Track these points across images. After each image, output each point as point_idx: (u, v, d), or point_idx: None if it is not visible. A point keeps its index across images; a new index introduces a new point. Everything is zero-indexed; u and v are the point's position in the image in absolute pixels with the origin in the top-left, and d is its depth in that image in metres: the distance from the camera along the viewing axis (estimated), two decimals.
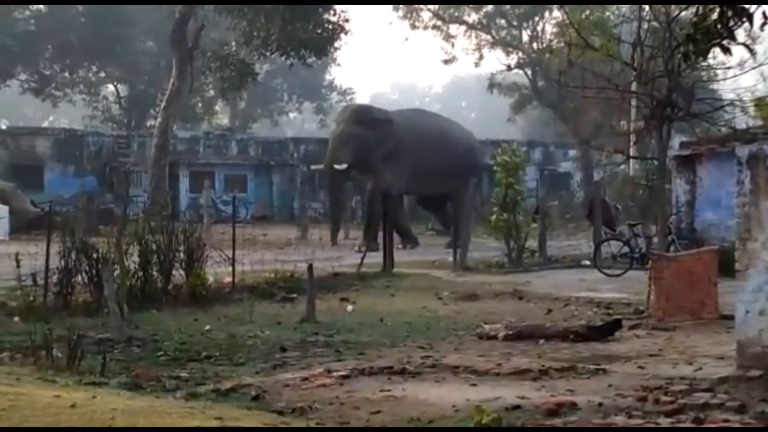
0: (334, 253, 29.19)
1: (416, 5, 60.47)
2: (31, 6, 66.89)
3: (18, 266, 17.60)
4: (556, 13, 55.21)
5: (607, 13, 33.34)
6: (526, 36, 63.67)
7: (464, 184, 35.94)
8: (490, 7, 61.66)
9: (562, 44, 29.80)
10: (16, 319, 17.33)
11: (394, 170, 35.13)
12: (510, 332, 15.48)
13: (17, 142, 53.14)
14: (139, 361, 13.94)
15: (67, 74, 70.96)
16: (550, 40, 58.38)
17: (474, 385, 11.40)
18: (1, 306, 18.22)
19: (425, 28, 62.70)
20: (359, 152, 35.17)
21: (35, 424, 7.87)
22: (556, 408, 9.81)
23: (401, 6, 60.09)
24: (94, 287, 18.84)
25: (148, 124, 64.94)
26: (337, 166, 35.48)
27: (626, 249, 27.15)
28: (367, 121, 36.20)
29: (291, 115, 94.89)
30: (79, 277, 19.25)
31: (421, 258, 29.50)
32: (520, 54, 63.22)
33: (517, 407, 9.90)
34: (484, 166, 40.30)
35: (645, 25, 21.66)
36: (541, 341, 15.03)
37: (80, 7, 65.43)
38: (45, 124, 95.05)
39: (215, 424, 8.05)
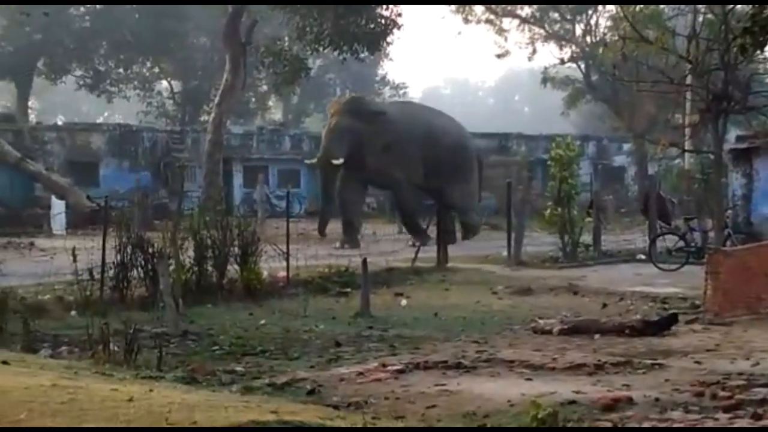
0: (389, 247, 29.15)
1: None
2: (87, 3, 67.37)
3: (75, 261, 17.74)
4: (610, 6, 54.86)
5: (662, 6, 33.08)
6: (579, 29, 63.44)
7: (455, 178, 35.19)
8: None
9: (617, 37, 29.67)
10: (74, 313, 17.48)
11: (402, 164, 34.20)
12: (565, 327, 15.41)
13: (73, 138, 53.50)
14: (194, 355, 14.01)
15: (121, 70, 71.53)
16: (604, 34, 58.12)
17: (529, 379, 11.36)
18: (58, 300, 18.37)
19: (478, 22, 62.60)
20: (354, 146, 33.86)
21: (93, 417, 7.91)
22: (612, 403, 9.75)
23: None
24: (150, 282, 18.98)
25: (202, 119, 65.28)
26: (334, 162, 34.01)
27: (682, 243, 26.99)
28: (361, 114, 34.73)
29: None
30: (135, 272, 19.38)
31: (475, 252, 29.41)
32: (574, 47, 62.97)
33: (572, 402, 9.85)
34: (477, 161, 38.36)
35: (700, 18, 21.52)
36: (597, 336, 14.94)
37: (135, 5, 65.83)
38: (100, 120, 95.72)
39: (271, 418, 8.05)
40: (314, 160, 36.64)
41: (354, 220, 34.42)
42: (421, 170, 34.75)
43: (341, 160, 33.78)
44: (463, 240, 34.15)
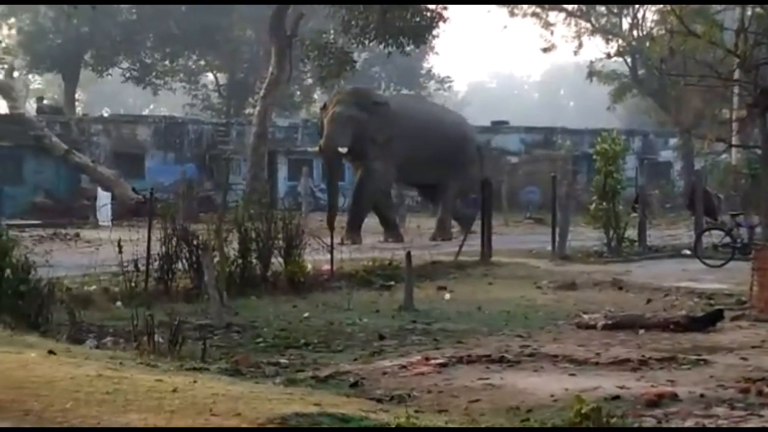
0: (433, 241, 29.17)
1: None
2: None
3: (120, 252, 17.85)
4: None
5: None
6: (626, 23, 63.22)
7: (456, 173, 34.80)
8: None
9: (664, 31, 29.53)
10: (119, 304, 17.59)
11: (388, 157, 33.39)
12: (609, 322, 15.34)
13: (119, 130, 53.81)
14: (238, 347, 14.06)
15: (167, 63, 71.92)
16: (651, 28, 57.91)
17: (573, 374, 11.32)
18: (104, 291, 18.48)
19: (524, 15, 62.47)
20: (357, 136, 33.03)
21: (138, 407, 7.96)
22: (656, 398, 9.70)
23: None
24: (195, 274, 19.06)
25: (247, 112, 65.46)
26: (340, 149, 33.13)
27: (728, 239, 26.80)
28: (363, 104, 33.98)
29: None
30: (180, 264, 19.47)
31: (519, 247, 29.36)
32: (620, 42, 62.75)
33: (616, 397, 9.81)
34: (482, 157, 37.62)
35: (749, 12, 21.34)
36: (641, 331, 14.86)
37: None
38: (146, 112, 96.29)
39: (314, 410, 8.07)
40: (316, 149, 35.94)
41: (360, 216, 33.87)
42: (420, 164, 33.97)
43: (344, 150, 33.18)
44: (431, 240, 32.88)
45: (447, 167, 34.39)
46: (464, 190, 35.83)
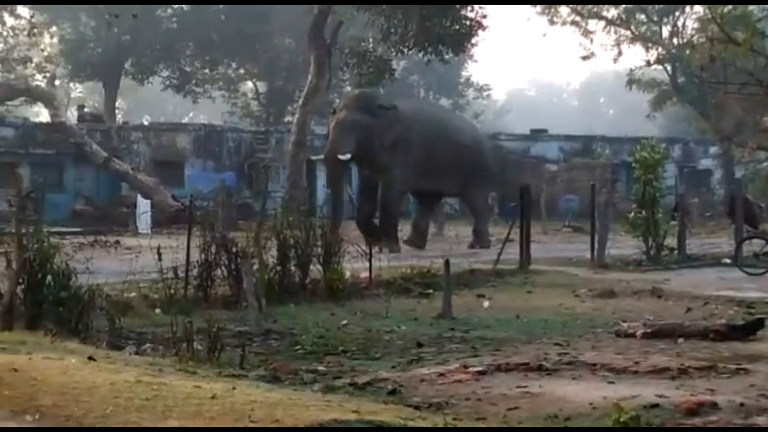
0: (469, 249, 29.14)
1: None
2: (173, 5, 68.15)
3: (160, 259, 17.93)
4: (698, 7, 54.47)
5: (751, 7, 32.72)
6: (666, 31, 63.02)
7: (470, 182, 34.36)
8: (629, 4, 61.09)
9: (704, 39, 29.37)
10: (158, 311, 17.66)
11: (402, 163, 32.46)
12: (648, 330, 15.27)
13: (159, 138, 54.08)
14: (277, 354, 14.09)
15: (207, 71, 72.25)
16: (691, 35, 57.68)
17: (611, 382, 11.27)
18: (143, 298, 18.54)
19: (563, 23, 62.43)
20: (364, 142, 32.06)
21: (177, 413, 8.00)
22: (696, 407, 9.65)
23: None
24: (233, 281, 19.11)
25: (286, 120, 65.65)
26: (341, 157, 32.12)
27: None
28: (370, 108, 32.85)
29: None
30: (219, 271, 19.52)
31: (557, 255, 29.29)
32: (660, 49, 62.55)
33: (655, 406, 9.76)
34: (493, 166, 37.32)
35: None
36: (680, 340, 14.78)
37: (221, 5, 66.45)
38: (185, 120, 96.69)
39: (352, 417, 8.09)
40: (321, 156, 35.24)
41: (397, 222, 33.22)
42: (430, 173, 33.19)
43: (348, 156, 32.25)
44: (470, 248, 32.50)
45: (462, 176, 33.90)
46: (480, 202, 35.67)
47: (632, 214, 28.30)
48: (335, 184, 34.51)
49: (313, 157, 41.35)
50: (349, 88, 66.43)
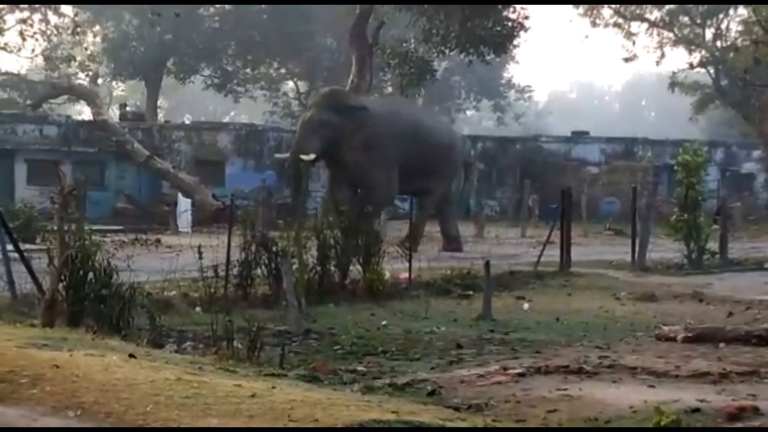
0: (511, 250, 29.05)
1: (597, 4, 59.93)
2: (215, 4, 68.37)
3: (200, 258, 17.99)
4: (741, 10, 54.17)
5: None
6: (709, 34, 62.68)
7: (442, 182, 33.32)
8: (672, 5, 60.86)
9: (748, 42, 29.23)
10: (199, 309, 17.72)
11: (381, 165, 31.37)
12: (689, 334, 15.19)
13: (200, 137, 54.23)
14: (316, 353, 14.12)
15: (248, 70, 72.42)
16: (735, 38, 57.38)
17: (652, 386, 11.22)
18: (184, 297, 18.63)
19: (606, 25, 62.23)
20: (330, 142, 31.15)
21: (217, 412, 8.02)
22: (737, 412, 9.57)
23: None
24: (273, 280, 19.17)
25: None
26: (303, 157, 30.72)
27: None
28: (339, 108, 31.97)
29: (468, 112, 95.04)
30: (259, 270, 19.59)
31: (598, 257, 29.18)
32: (703, 52, 62.24)
33: (696, 410, 9.69)
34: (466, 164, 36.47)
35: None
36: (722, 344, 14.68)
37: (263, 5, 66.61)
38: (226, 120, 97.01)
39: (391, 417, 8.09)
40: (286, 155, 34.20)
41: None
42: (403, 173, 32.08)
43: (312, 156, 31.09)
44: (444, 251, 31.02)
45: (433, 176, 32.80)
46: (448, 202, 34.46)
47: (674, 217, 28.16)
48: (296, 185, 31.87)
49: (278, 155, 40.20)
50: (390, 89, 66.56)
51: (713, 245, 28.81)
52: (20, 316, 15.18)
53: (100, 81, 66.43)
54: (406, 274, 22.01)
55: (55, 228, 14.73)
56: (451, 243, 32.90)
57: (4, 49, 65.61)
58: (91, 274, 14.56)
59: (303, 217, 21.12)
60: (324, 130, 31.31)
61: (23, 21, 58.60)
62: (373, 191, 30.84)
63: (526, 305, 19.87)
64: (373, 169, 31.37)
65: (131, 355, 11.07)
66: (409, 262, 22.20)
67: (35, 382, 8.98)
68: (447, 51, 42.56)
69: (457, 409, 9.80)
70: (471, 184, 52.37)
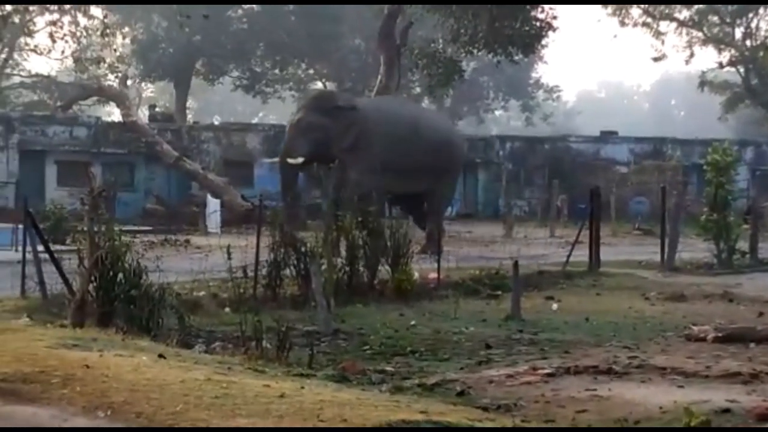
0: (540, 250, 28.99)
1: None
2: (244, 5, 68.52)
3: (229, 258, 18.03)
4: None
5: None
6: (739, 33, 62.43)
7: (441, 181, 32.47)
8: (701, 5, 60.64)
9: None
10: (227, 310, 17.77)
11: (362, 166, 30.55)
12: (719, 334, 15.12)
13: (229, 138, 54.35)
14: (345, 354, 14.13)
15: (277, 71, 72.50)
16: (765, 37, 57.18)
17: (681, 386, 11.19)
18: (213, 297, 18.68)
19: (635, 25, 62.05)
20: (319, 145, 30.71)
21: (246, 412, 8.05)
22: (767, 413, 9.55)
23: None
24: (302, 281, 19.20)
25: None
26: (291, 161, 30.94)
27: None
28: (327, 110, 31.58)
29: (497, 112, 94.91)
30: (288, 271, 19.62)
31: (627, 257, 29.09)
32: (733, 51, 61.99)
33: (726, 410, 9.66)
34: (467, 163, 35.81)
35: None
36: (752, 344, 14.61)
37: (291, 6, 66.70)
38: (255, 121, 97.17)
39: (420, 417, 8.10)
40: (276, 159, 33.88)
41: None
42: (398, 173, 31.14)
43: (300, 159, 30.97)
44: (424, 252, 27.70)
45: (431, 175, 31.84)
46: (445, 203, 33.76)
47: (703, 216, 28.03)
48: (287, 189, 32.67)
49: (266, 160, 39.92)
50: (418, 89, 66.54)
51: (743, 245, 28.65)
52: (51, 317, 15.28)
53: (129, 82, 66.59)
54: (434, 275, 22.00)
55: (85, 229, 14.78)
56: (430, 244, 29.90)
57: (34, 50, 66.35)
58: (120, 275, 14.63)
59: (331, 217, 21.11)
60: (312, 133, 30.98)
61: (53, 23, 58.95)
62: (357, 192, 29.69)
63: (555, 305, 19.83)
64: (357, 171, 30.65)
65: (161, 356, 11.12)
66: (438, 262, 22.19)
67: (66, 383, 9.03)
68: (475, 51, 42.51)
69: (486, 409, 9.80)
70: (500, 184, 52.36)
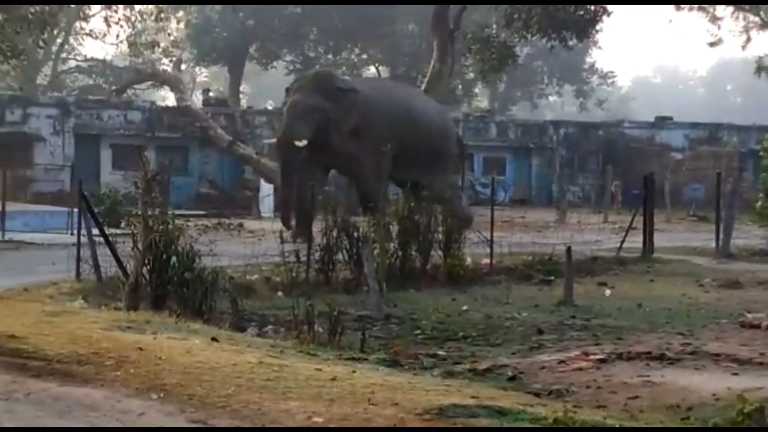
0: (593, 236, 28.89)
1: None
2: None
3: (282, 243, 18.10)
4: None
5: None
6: None
7: (436, 167, 31.13)
8: None
9: None
10: (280, 294, 17.86)
11: (370, 151, 28.36)
12: None
13: (282, 123, 54.39)
14: (397, 338, 14.16)
15: (330, 56, 72.49)
16: None
17: (735, 374, 11.11)
18: (266, 281, 18.78)
19: (690, 9, 61.42)
20: (319, 128, 29.48)
21: (297, 394, 8.08)
22: None
23: None
24: (354, 265, 19.25)
25: None
26: (297, 143, 29.27)
27: None
28: (327, 91, 30.32)
29: (551, 98, 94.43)
30: (340, 255, 19.67)
31: (681, 244, 28.90)
32: None
33: None
34: (462, 150, 34.62)
35: None
36: None
37: None
38: None
39: (471, 402, 8.09)
40: (273, 140, 32.72)
41: (308, 209, 24.60)
42: (397, 159, 28.06)
43: (305, 142, 29.33)
44: None
45: (427, 162, 30.81)
46: (448, 187, 32.42)
47: (759, 203, 27.78)
48: (288, 173, 30.29)
49: (266, 141, 39.35)
50: (471, 75, 66.34)
51: None
52: (105, 299, 15.42)
53: (183, 67, 66.83)
54: (487, 260, 21.97)
55: (139, 213, 14.89)
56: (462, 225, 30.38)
57: (89, 35, 66.80)
58: (174, 259, 14.72)
59: (385, 202, 21.12)
60: (313, 114, 29.87)
61: (108, 7, 59.23)
62: (361, 180, 30.08)
63: (607, 291, 19.75)
64: (362, 156, 29.60)
65: (213, 339, 11.19)
66: (491, 247, 22.16)
67: (119, 364, 9.11)
68: (529, 36, 42.23)
69: (537, 394, 9.79)
70: (554, 170, 52.15)
